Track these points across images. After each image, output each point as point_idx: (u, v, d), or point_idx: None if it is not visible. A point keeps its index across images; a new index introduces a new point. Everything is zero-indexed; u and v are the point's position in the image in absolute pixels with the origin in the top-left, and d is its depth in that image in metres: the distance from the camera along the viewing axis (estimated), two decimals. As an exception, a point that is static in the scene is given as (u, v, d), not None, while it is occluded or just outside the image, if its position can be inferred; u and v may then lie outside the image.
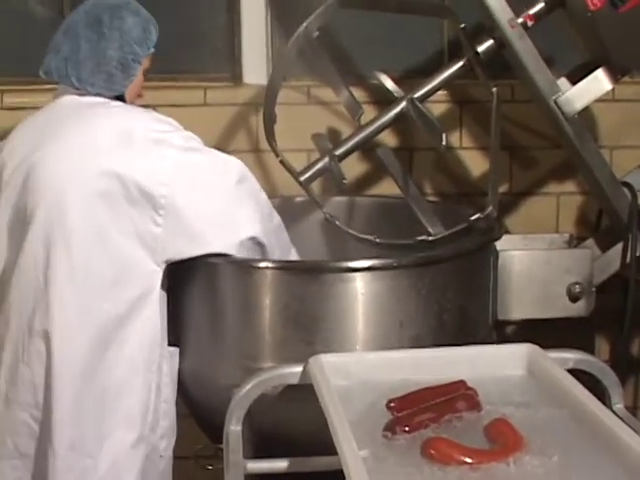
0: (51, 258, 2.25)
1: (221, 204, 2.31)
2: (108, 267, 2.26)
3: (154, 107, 3.17)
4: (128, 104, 2.42)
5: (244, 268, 2.36)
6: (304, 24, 2.76)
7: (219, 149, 3.16)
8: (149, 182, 2.24)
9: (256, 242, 2.35)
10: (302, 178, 2.71)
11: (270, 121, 2.82)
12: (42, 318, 2.26)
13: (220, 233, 2.29)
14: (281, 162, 2.76)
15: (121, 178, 2.23)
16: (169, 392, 2.38)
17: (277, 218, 2.44)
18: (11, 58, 3.28)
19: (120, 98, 2.41)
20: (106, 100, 2.37)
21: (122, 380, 2.29)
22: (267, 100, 2.83)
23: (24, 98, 3.13)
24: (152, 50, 2.40)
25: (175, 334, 2.42)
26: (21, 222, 2.30)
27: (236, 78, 3.31)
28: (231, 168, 2.35)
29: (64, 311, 2.25)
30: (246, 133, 3.23)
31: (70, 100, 2.37)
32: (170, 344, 2.40)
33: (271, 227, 2.39)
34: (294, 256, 2.51)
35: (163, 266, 2.30)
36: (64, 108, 2.37)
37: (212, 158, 2.35)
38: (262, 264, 2.35)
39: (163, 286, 2.33)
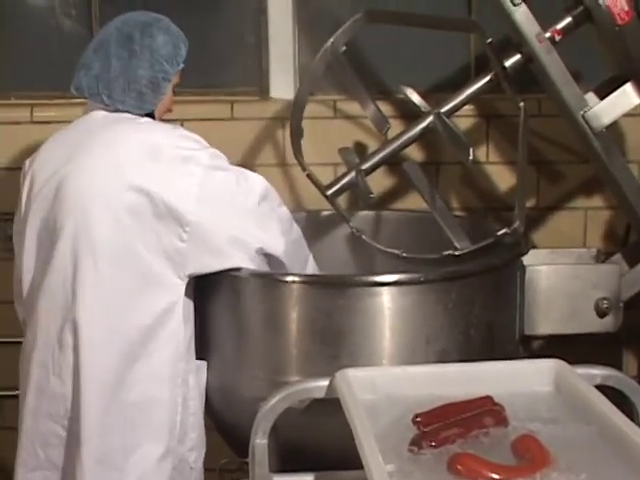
0: (78, 272, 2.26)
1: (244, 222, 2.31)
2: (134, 281, 2.28)
3: (182, 121, 3.21)
4: (156, 120, 2.44)
5: (271, 282, 2.37)
6: (331, 39, 2.77)
7: (246, 163, 3.23)
8: (176, 199, 2.25)
9: (276, 260, 2.36)
10: (329, 192, 2.71)
11: (297, 135, 2.83)
12: (70, 331, 2.28)
13: (244, 249, 2.30)
14: (308, 176, 2.77)
15: (149, 193, 2.25)
16: (197, 405, 2.37)
17: (296, 230, 2.46)
18: (40, 73, 3.31)
19: (149, 114, 2.43)
20: (134, 116, 2.39)
21: (149, 393, 2.29)
22: (294, 114, 2.84)
23: (53, 112, 3.16)
24: (182, 66, 2.41)
25: (202, 348, 2.43)
26: (50, 235, 2.32)
27: (263, 92, 3.33)
28: (254, 186, 2.36)
29: (91, 325, 2.26)
30: (273, 147, 3.24)
31: (99, 115, 2.39)
32: (197, 358, 2.40)
33: (290, 240, 2.40)
34: (311, 266, 2.52)
35: (186, 280, 2.32)
36: (93, 123, 2.38)
37: (237, 177, 2.34)
38: (289, 278, 2.35)
39: (187, 300, 2.34)
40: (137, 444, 2.30)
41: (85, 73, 2.36)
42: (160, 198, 2.24)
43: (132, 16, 2.41)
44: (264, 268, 2.37)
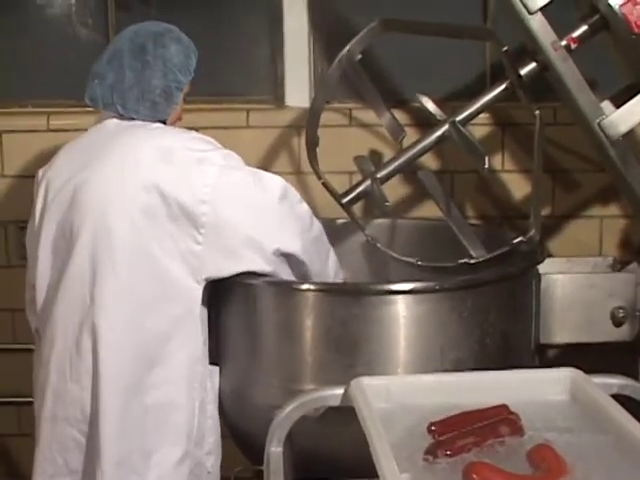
0: (97, 276, 2.27)
1: (262, 222, 2.31)
2: (151, 284, 2.28)
3: (197, 129, 3.21)
4: (168, 126, 2.46)
5: (286, 290, 2.37)
6: (347, 47, 2.77)
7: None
8: (190, 200, 2.26)
9: (296, 259, 2.36)
10: (344, 200, 2.71)
11: (312, 143, 2.83)
12: (89, 335, 2.28)
13: (260, 251, 2.29)
14: (323, 184, 2.77)
15: (163, 194, 2.26)
16: (213, 409, 2.39)
17: (317, 226, 2.45)
18: (57, 81, 3.33)
19: (161, 122, 2.44)
20: (146, 122, 2.40)
21: (167, 397, 2.31)
22: (310, 122, 2.84)
23: (69, 120, 3.17)
24: (192, 75, 2.43)
25: (217, 355, 2.43)
26: (67, 240, 2.32)
27: (279, 100, 3.33)
28: (272, 185, 2.36)
29: (110, 328, 2.27)
30: (288, 155, 3.25)
31: (113, 123, 2.41)
32: (210, 363, 2.41)
33: (310, 238, 2.40)
34: (332, 262, 2.51)
35: (203, 284, 2.32)
36: (107, 131, 2.40)
37: (252, 176, 2.35)
38: (304, 286, 2.35)
39: (203, 304, 2.34)
40: (155, 447, 2.31)
41: (99, 83, 2.38)
42: (174, 199, 2.25)
43: (144, 26, 2.42)
44: (282, 269, 2.36)
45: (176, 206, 2.26)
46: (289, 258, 2.36)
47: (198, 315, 2.33)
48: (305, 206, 2.42)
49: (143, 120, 2.40)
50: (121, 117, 2.40)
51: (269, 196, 2.33)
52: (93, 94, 2.39)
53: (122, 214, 2.27)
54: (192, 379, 2.34)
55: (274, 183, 2.36)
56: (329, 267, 2.49)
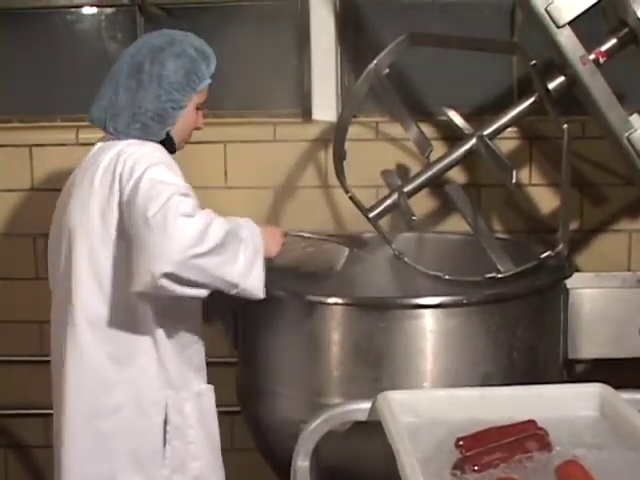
0: (72, 294, 2.27)
1: (139, 242, 2.11)
2: (106, 308, 2.25)
3: (224, 143, 3.23)
4: (181, 141, 2.37)
5: (313, 304, 2.37)
6: (374, 61, 2.78)
7: (288, 185, 3.23)
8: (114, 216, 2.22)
9: (175, 277, 2.09)
10: (371, 214, 2.71)
11: (339, 157, 2.83)
12: (62, 355, 2.30)
13: (139, 272, 2.11)
14: (350, 198, 2.78)
15: (105, 217, 2.22)
16: (196, 433, 2.31)
17: (213, 237, 2.11)
18: (86, 96, 3.35)
19: (167, 135, 2.33)
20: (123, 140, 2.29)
21: (127, 420, 2.27)
22: (337, 136, 2.85)
23: (98, 134, 3.16)
24: (203, 85, 2.32)
25: (246, 369, 2.42)
26: (57, 248, 2.37)
27: (306, 114, 3.34)
28: (148, 206, 2.10)
29: (73, 348, 2.26)
30: (315, 169, 3.25)
31: (106, 143, 2.34)
32: (208, 382, 2.38)
33: (197, 253, 2.08)
34: (244, 259, 2.19)
35: (148, 304, 2.23)
36: (93, 151, 2.37)
37: (146, 190, 2.12)
38: (331, 300, 2.35)
39: (163, 326, 2.27)
40: (118, 473, 2.27)
41: (97, 104, 2.33)
42: (110, 221, 2.22)
43: (148, 39, 2.35)
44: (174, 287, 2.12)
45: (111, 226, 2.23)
46: (167, 281, 2.10)
47: (161, 336, 2.27)
48: (192, 221, 2.08)
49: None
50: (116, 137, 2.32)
51: (139, 218, 2.10)
52: (92, 115, 2.35)
53: (84, 238, 2.26)
54: (155, 404, 2.27)
55: (159, 196, 2.09)
56: (237, 268, 2.18)
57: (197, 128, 2.41)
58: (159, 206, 2.08)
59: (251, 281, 2.20)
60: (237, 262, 2.18)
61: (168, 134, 2.33)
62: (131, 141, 2.28)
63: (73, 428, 2.27)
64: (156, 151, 2.26)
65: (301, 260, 2.51)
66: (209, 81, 2.34)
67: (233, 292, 2.20)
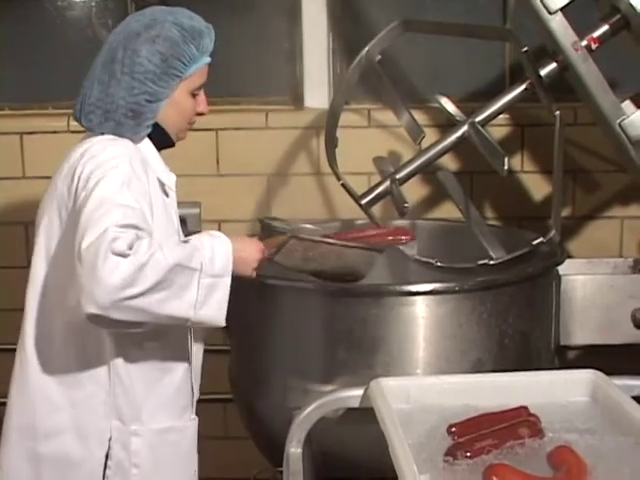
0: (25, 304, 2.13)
1: (74, 268, 1.88)
2: (56, 320, 2.06)
3: (216, 130, 3.22)
4: (182, 130, 2.16)
5: (305, 291, 2.37)
6: (366, 48, 2.77)
7: (280, 172, 3.23)
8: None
9: (104, 318, 1.86)
10: (363, 201, 2.71)
11: (331, 144, 2.83)
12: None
13: (73, 299, 1.93)
14: (342, 185, 2.77)
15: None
16: (143, 475, 2.06)
17: (151, 276, 1.85)
18: (77, 83, 3.34)
19: (155, 126, 2.11)
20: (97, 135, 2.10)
21: (66, 448, 2.06)
22: (329, 123, 2.84)
23: (90, 121, 3.18)
24: (194, 68, 2.08)
25: (239, 359, 2.41)
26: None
27: (298, 102, 3.33)
28: (93, 227, 1.87)
29: (20, 361, 2.11)
30: (307, 156, 3.25)
31: (85, 136, 2.16)
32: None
33: (129, 294, 1.84)
34: (192, 294, 1.94)
35: (107, 332, 2.01)
36: (77, 144, 2.15)
37: (90, 211, 1.90)
38: (324, 287, 2.34)
39: (123, 348, 2.04)
40: None
41: (78, 97, 2.13)
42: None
43: (129, 22, 2.11)
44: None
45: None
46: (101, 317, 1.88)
47: (114, 360, 2.04)
48: (123, 262, 1.82)
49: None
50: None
51: (75, 244, 1.89)
52: (74, 108, 2.14)
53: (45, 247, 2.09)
54: (97, 434, 2.04)
55: (90, 236, 1.86)
56: (187, 300, 1.93)
57: (200, 114, 2.16)
58: (93, 238, 1.84)
59: (206, 311, 1.95)
60: (186, 295, 1.92)
61: (158, 126, 2.10)
62: (102, 138, 2.07)
63: (8, 444, 2.11)
64: (123, 155, 2.01)
65: (315, 263, 2.27)
66: (205, 61, 2.11)
67: (187, 324, 1.98)
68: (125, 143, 2.06)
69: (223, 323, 2.00)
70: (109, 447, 2.04)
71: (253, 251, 2.09)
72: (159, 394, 2.08)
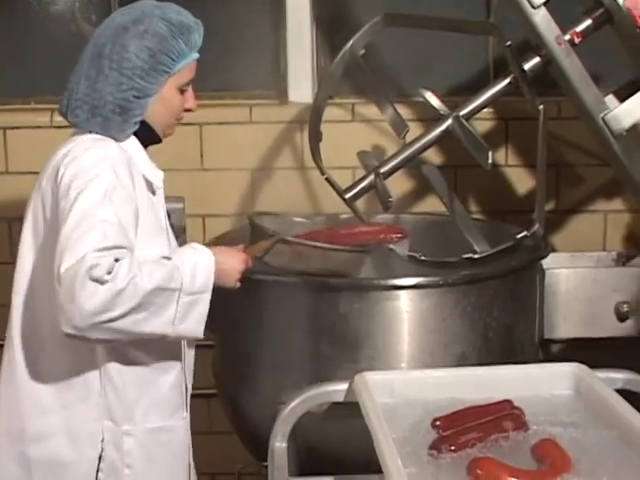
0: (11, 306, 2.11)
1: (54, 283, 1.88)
2: (44, 321, 2.04)
3: (201, 125, 3.22)
4: (170, 126, 2.14)
5: (290, 286, 2.37)
6: (350, 42, 2.77)
7: (265, 167, 3.23)
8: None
9: (83, 337, 1.87)
10: (347, 196, 2.71)
11: (315, 139, 2.83)
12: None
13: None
14: (326, 179, 2.77)
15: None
16: (136, 475, 2.05)
17: (124, 304, 1.86)
18: (60, 78, 3.32)
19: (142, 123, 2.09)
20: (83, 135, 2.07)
21: (57, 450, 2.05)
22: (313, 118, 2.84)
23: (73, 116, 3.17)
24: (182, 64, 2.06)
25: (224, 354, 2.42)
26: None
27: (282, 96, 3.33)
28: (72, 249, 1.85)
29: (7, 368, 2.10)
30: (291, 151, 3.24)
31: (73, 132, 2.13)
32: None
33: (101, 320, 1.84)
34: (166, 318, 1.94)
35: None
36: (65, 140, 2.13)
37: (72, 228, 1.89)
38: (307, 281, 2.35)
39: (114, 350, 2.02)
40: None
41: (65, 93, 2.11)
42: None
43: (115, 17, 2.08)
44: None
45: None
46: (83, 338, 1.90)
47: (105, 361, 2.03)
48: (101, 289, 1.82)
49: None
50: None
51: (55, 262, 1.87)
52: (60, 104, 2.12)
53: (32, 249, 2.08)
54: (89, 435, 2.03)
55: (69, 259, 1.84)
56: (166, 318, 1.93)
57: (188, 110, 2.15)
58: (72, 262, 1.82)
59: (185, 327, 1.96)
60: (165, 313, 1.92)
61: (145, 123, 2.09)
62: (87, 138, 2.04)
63: (5, 452, 2.08)
64: (106, 159, 1.98)
65: (302, 264, 2.28)
66: (194, 57, 2.09)
67: (167, 339, 1.98)
68: (110, 144, 2.04)
69: (201, 336, 2.01)
70: (102, 448, 2.04)
71: (235, 263, 2.08)
72: (152, 394, 2.08)
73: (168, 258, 1.98)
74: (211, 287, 2.00)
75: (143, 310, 1.88)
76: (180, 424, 2.14)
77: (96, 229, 1.87)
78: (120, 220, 1.92)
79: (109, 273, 1.83)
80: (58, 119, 3.23)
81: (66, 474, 2.04)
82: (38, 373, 2.05)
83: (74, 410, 2.04)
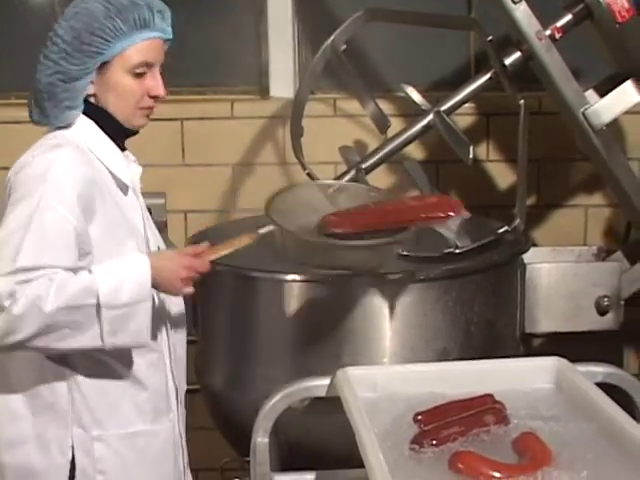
0: None
1: None
2: None
3: (182, 120, 3.21)
4: (137, 110, 2.00)
5: (271, 280, 2.37)
6: (331, 37, 2.77)
7: (246, 162, 3.23)
8: None
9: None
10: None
11: (297, 134, 2.83)
12: None
13: None
14: (308, 175, 2.77)
15: None
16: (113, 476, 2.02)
17: (34, 324, 1.83)
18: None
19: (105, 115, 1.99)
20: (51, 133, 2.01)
21: (25, 458, 2.02)
22: (294, 113, 2.84)
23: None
24: (122, 45, 1.91)
25: (205, 348, 2.41)
26: None
27: (263, 91, 3.33)
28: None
29: None
30: (273, 146, 3.24)
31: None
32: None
33: (12, 342, 1.85)
34: (94, 332, 1.90)
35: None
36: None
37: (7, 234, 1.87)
38: (289, 277, 2.35)
39: (86, 353, 1.97)
40: None
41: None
42: None
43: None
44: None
45: None
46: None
47: (78, 365, 1.99)
48: (2, 315, 1.82)
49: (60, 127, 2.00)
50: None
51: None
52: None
53: None
54: (58, 442, 2.00)
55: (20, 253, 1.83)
56: (91, 334, 1.89)
57: (154, 97, 1.98)
58: None
59: (122, 339, 1.91)
60: (88, 330, 1.87)
61: (106, 113, 1.97)
62: (44, 141, 1.98)
63: None
64: (52, 170, 1.91)
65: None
66: (143, 37, 1.92)
67: (106, 350, 1.93)
68: (63, 150, 1.94)
69: (146, 345, 1.96)
70: (72, 455, 2.00)
71: (175, 269, 1.95)
72: (127, 399, 2.03)
73: (90, 272, 1.90)
74: (150, 296, 1.92)
75: (58, 329, 1.84)
76: (163, 427, 2.09)
77: (6, 253, 1.84)
78: (47, 239, 1.86)
79: (11, 296, 1.80)
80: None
81: (44, 474, 2.01)
82: (9, 380, 2.02)
83: (43, 417, 2.00)
